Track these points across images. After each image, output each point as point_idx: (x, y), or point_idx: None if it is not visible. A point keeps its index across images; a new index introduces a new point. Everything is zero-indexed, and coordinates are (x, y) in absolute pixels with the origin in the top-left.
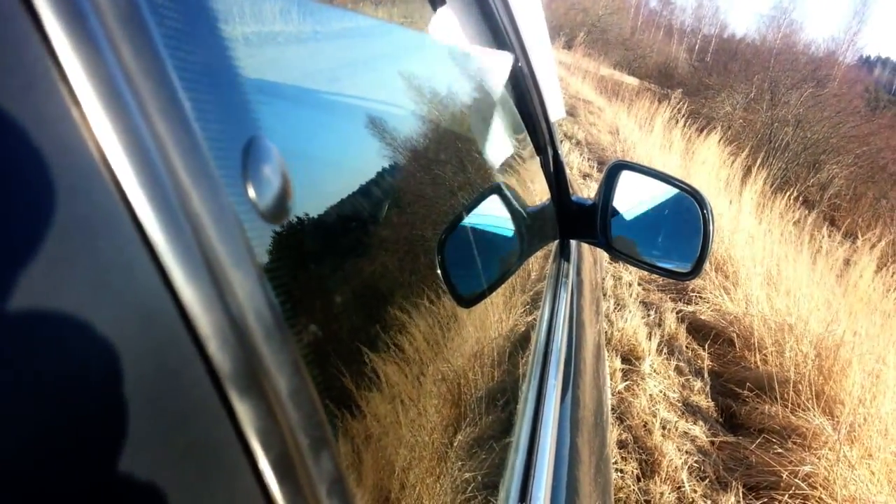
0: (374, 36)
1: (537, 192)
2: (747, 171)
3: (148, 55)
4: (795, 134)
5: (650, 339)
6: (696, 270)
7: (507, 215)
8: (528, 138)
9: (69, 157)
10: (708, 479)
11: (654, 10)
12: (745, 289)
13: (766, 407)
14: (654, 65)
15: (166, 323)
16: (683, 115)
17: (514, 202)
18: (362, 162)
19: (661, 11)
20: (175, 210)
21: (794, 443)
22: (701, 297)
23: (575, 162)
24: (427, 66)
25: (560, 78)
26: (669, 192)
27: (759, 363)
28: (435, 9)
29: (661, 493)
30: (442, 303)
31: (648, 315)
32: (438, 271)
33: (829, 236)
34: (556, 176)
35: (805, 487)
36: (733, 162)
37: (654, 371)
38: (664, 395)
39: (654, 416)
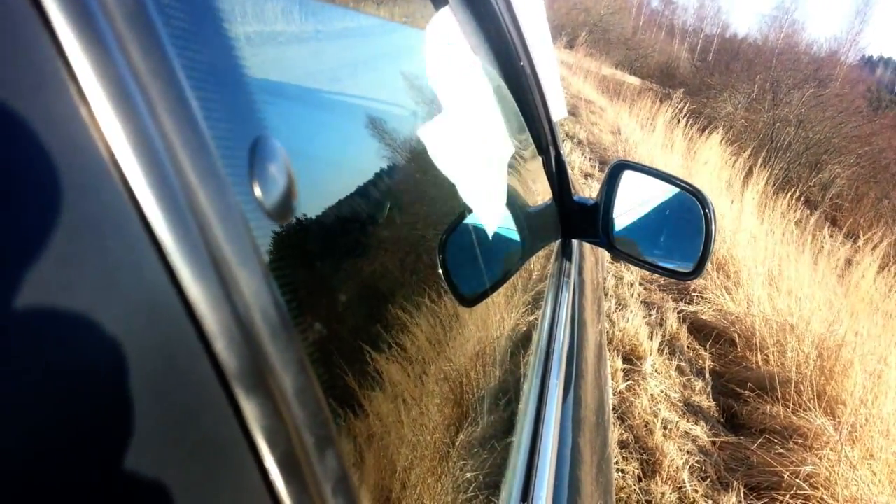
0: (379, 36)
1: (539, 192)
2: (749, 171)
3: (155, 55)
4: (797, 134)
5: (652, 339)
6: (697, 270)
7: (509, 215)
8: (531, 138)
9: (78, 156)
10: (709, 480)
11: (655, 10)
12: (746, 289)
13: (768, 407)
14: (655, 64)
15: (173, 321)
16: (685, 115)
17: (516, 202)
18: (367, 161)
19: (662, 11)
20: (182, 209)
21: (796, 443)
22: (702, 297)
23: (577, 161)
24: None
25: (562, 77)
26: (671, 191)
27: (760, 363)
28: (437, 8)
29: (663, 494)
30: (444, 302)
31: (650, 315)
32: (440, 271)
33: (831, 236)
34: (558, 175)
35: (806, 488)
36: (735, 162)
37: (656, 371)
38: (665, 395)
39: (656, 416)
